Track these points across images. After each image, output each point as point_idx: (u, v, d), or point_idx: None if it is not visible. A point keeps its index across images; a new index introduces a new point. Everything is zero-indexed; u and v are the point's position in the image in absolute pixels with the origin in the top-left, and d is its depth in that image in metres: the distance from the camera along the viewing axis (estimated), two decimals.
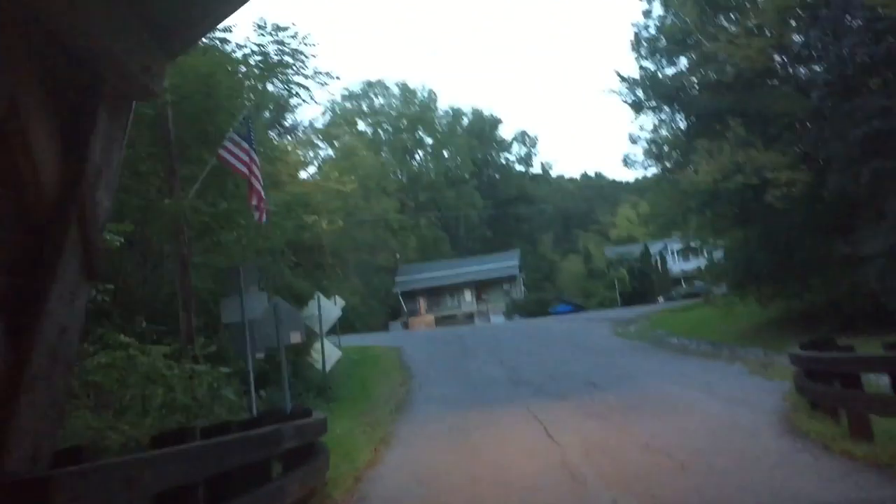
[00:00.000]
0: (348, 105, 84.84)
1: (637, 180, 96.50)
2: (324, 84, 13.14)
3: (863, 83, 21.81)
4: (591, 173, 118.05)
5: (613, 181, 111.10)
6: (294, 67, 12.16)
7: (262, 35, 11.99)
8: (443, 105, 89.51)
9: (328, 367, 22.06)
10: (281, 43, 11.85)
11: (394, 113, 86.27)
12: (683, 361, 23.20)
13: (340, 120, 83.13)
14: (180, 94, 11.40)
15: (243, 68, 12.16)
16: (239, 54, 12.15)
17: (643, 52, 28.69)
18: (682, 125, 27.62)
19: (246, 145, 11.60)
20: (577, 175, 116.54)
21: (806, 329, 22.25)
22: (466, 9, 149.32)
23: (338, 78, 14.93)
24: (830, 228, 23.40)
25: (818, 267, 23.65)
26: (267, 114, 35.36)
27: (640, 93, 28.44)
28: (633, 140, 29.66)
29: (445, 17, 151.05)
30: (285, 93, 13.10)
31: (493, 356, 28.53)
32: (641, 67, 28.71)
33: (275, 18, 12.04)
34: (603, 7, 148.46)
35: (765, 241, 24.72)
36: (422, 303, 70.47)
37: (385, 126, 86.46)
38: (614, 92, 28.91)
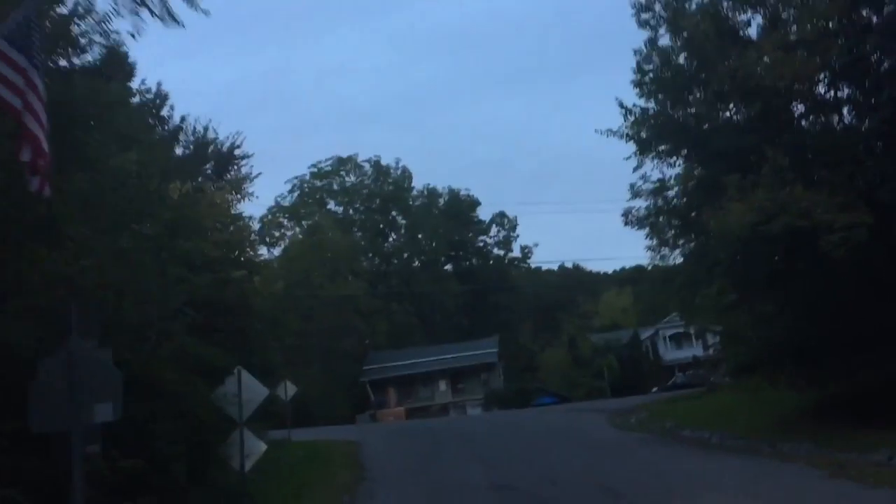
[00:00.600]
0: (318, 183, 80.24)
1: (615, 271, 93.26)
2: None
3: None
4: (570, 265, 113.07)
5: (592, 272, 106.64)
6: None
7: None
8: (417, 184, 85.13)
9: (248, 466, 16.33)
10: None
11: (366, 192, 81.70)
12: (719, 460, 18.66)
13: (308, 199, 78.55)
14: None
15: None
16: None
17: (646, 88, 24.07)
18: (697, 168, 22.87)
19: (23, 61, 6.54)
20: (554, 266, 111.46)
21: (857, 417, 18.49)
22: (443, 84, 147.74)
23: None
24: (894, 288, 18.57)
25: (878, 337, 18.65)
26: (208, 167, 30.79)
27: (644, 134, 23.71)
28: (636, 193, 24.54)
29: (422, 92, 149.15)
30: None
31: (471, 452, 23.15)
32: (642, 108, 23.97)
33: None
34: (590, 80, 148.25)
35: (810, 305, 19.70)
36: (392, 393, 64.22)
37: (357, 205, 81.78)
38: (613, 133, 24.18)
